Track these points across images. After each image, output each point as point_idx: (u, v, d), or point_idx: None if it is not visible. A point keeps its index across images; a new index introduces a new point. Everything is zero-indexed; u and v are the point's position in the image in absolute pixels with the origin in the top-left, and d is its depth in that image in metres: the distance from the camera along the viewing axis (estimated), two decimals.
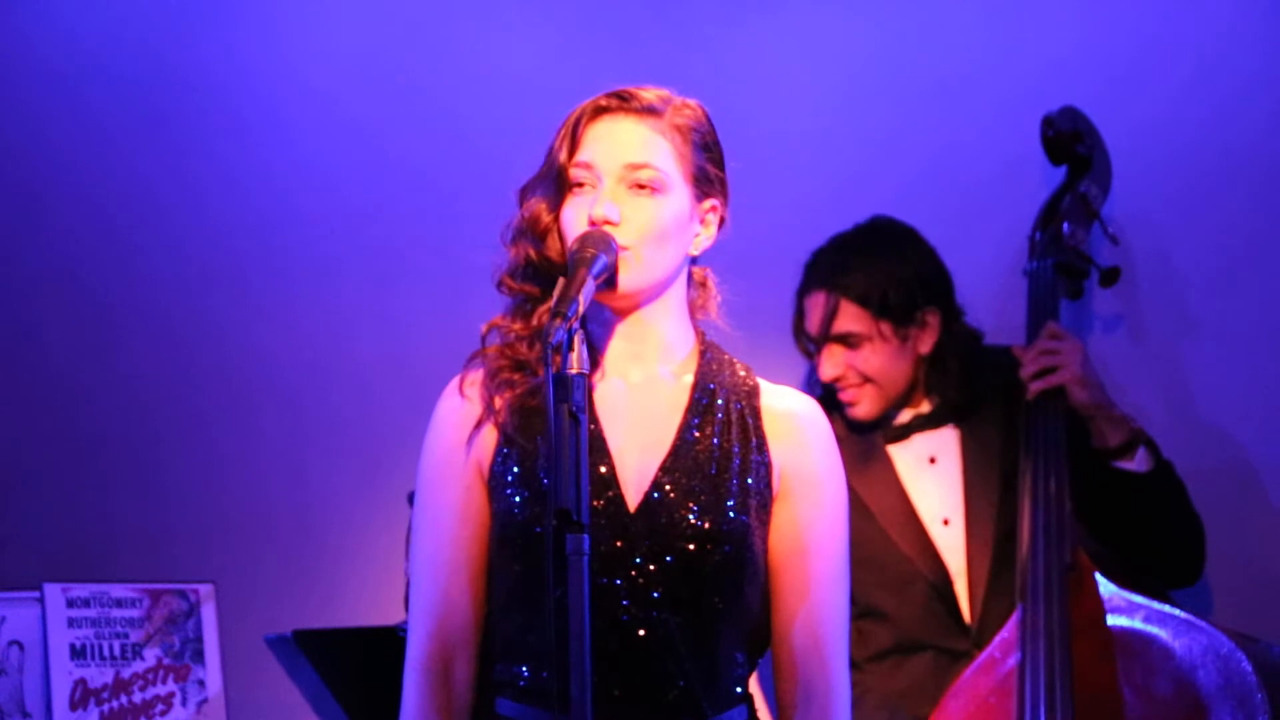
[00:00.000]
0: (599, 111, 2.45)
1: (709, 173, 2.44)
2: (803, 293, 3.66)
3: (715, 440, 2.41)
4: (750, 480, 2.40)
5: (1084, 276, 3.65)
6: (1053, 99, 3.74)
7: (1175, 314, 3.86)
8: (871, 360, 3.59)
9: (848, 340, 3.59)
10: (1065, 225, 3.62)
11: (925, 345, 3.62)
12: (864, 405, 3.61)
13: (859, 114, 4.07)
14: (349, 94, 4.34)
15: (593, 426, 2.41)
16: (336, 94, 4.34)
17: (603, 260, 2.36)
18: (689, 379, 2.45)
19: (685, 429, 2.42)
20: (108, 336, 4.35)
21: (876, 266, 3.60)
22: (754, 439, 2.42)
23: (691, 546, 2.36)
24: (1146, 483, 3.48)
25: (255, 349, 4.32)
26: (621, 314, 2.45)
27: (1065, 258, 3.61)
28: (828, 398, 3.61)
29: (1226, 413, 3.81)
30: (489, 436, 2.45)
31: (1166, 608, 3.28)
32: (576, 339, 2.25)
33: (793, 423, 2.45)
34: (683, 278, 2.47)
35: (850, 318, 3.59)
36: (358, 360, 4.29)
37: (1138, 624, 3.28)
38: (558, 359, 2.23)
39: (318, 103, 4.35)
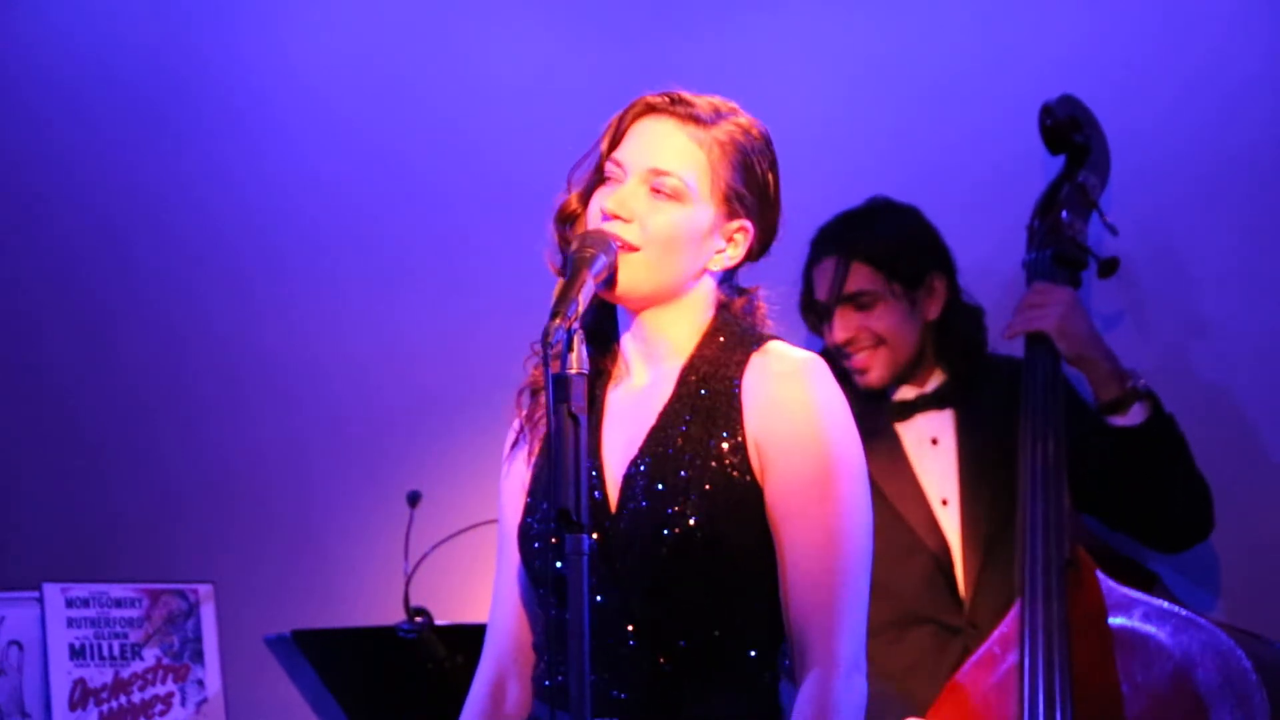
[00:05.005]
0: (648, 109, 2.45)
1: (742, 195, 2.43)
2: (811, 264, 3.70)
3: (685, 429, 2.39)
4: (716, 464, 2.36)
5: (1082, 267, 3.66)
6: (1056, 96, 3.73)
7: (1176, 309, 3.86)
8: (884, 320, 3.63)
9: (860, 300, 3.63)
10: (1064, 214, 3.63)
11: (933, 311, 3.66)
12: (875, 370, 3.64)
13: (860, 112, 4.07)
14: (348, 94, 4.34)
15: (595, 438, 2.43)
16: (335, 94, 4.34)
17: (602, 260, 2.36)
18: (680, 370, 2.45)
19: (660, 423, 2.41)
20: (107, 336, 4.35)
21: (884, 230, 3.67)
22: (726, 419, 2.38)
23: (651, 538, 2.35)
24: (1136, 436, 3.50)
25: (255, 349, 4.32)
26: (635, 315, 2.45)
27: (1063, 248, 3.62)
28: (838, 373, 3.63)
29: (1228, 407, 3.82)
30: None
31: (1166, 604, 3.28)
32: (576, 339, 2.25)
33: (769, 387, 2.38)
34: (703, 291, 2.45)
35: (862, 277, 3.63)
36: (358, 360, 4.29)
37: (1137, 621, 3.28)
38: (556, 360, 2.23)
39: (316, 103, 4.35)
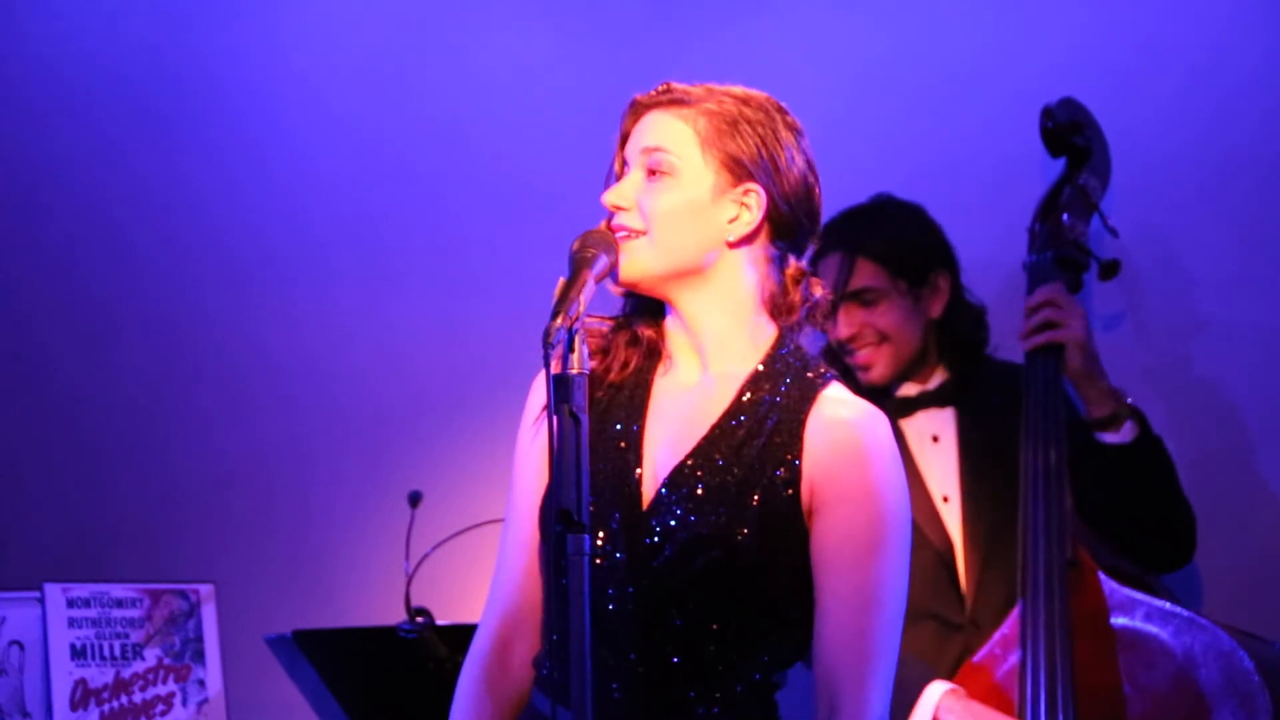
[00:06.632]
0: (643, 107, 2.46)
1: (738, 158, 2.41)
2: (815, 260, 3.68)
3: (740, 447, 2.39)
4: (766, 492, 2.36)
5: (1084, 269, 3.66)
6: (1054, 97, 3.74)
7: (1177, 311, 3.86)
8: (887, 317, 3.63)
9: (864, 297, 3.63)
10: (1065, 217, 3.63)
11: (936, 309, 3.67)
12: (878, 367, 3.64)
13: (860, 113, 4.07)
14: (348, 94, 4.34)
15: (635, 426, 2.43)
16: (335, 94, 4.35)
17: (604, 260, 2.36)
18: (740, 382, 2.43)
19: (713, 433, 2.40)
20: (107, 336, 4.36)
21: (890, 227, 3.67)
22: (786, 450, 2.38)
23: (683, 548, 2.35)
24: (1126, 453, 3.50)
25: (255, 349, 4.32)
26: (671, 306, 2.45)
27: (1065, 250, 3.62)
28: (840, 370, 3.63)
29: (1228, 410, 3.82)
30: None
31: (1168, 605, 3.28)
32: (577, 339, 2.24)
33: (833, 433, 2.38)
34: (731, 268, 2.43)
35: (867, 274, 3.63)
36: (357, 360, 4.29)
37: (1139, 622, 3.28)
38: (558, 359, 2.23)
39: (316, 103, 4.35)
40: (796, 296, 2.46)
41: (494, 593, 2.52)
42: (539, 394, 2.52)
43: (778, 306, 2.46)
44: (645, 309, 2.48)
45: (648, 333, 2.47)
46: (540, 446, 2.48)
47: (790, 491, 2.36)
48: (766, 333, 2.45)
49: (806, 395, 2.40)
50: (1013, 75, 3.98)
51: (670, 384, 2.46)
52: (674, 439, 2.42)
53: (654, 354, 2.47)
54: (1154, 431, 3.53)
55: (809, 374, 2.42)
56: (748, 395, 2.41)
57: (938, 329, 3.68)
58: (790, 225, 2.45)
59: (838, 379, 2.44)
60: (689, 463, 2.39)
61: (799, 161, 2.45)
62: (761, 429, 2.39)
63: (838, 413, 2.39)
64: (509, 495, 2.54)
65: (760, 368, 2.43)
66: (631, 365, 2.46)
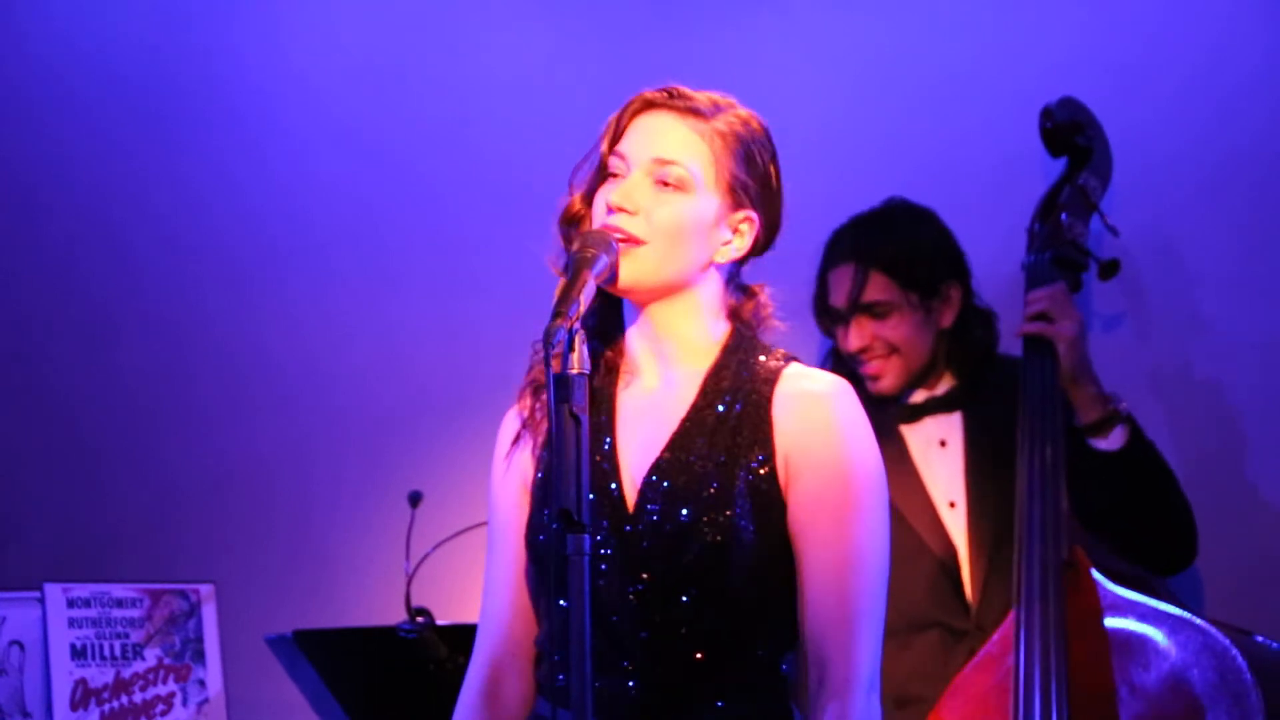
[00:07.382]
0: (647, 105, 2.46)
1: (746, 184, 2.44)
2: (826, 268, 3.69)
3: (712, 435, 2.40)
4: (744, 474, 2.38)
5: (1083, 269, 3.66)
6: (1054, 97, 3.74)
7: (1177, 311, 3.86)
8: (899, 330, 3.63)
9: (875, 310, 3.63)
10: (1064, 217, 3.63)
11: (947, 319, 3.66)
12: (888, 378, 3.64)
13: (861, 113, 4.08)
14: (348, 94, 4.34)
15: (608, 439, 2.44)
16: (336, 94, 4.35)
17: (604, 260, 2.36)
18: (703, 376, 2.45)
19: (683, 429, 2.42)
20: (107, 336, 4.36)
21: (902, 238, 3.66)
22: (758, 431, 2.39)
23: (672, 541, 2.36)
24: (1117, 460, 3.50)
25: (256, 349, 4.32)
26: (640, 310, 2.46)
27: (1064, 250, 3.62)
28: (847, 375, 3.63)
29: (1228, 410, 3.82)
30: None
31: (1162, 605, 3.28)
32: (578, 339, 2.25)
33: (802, 405, 2.40)
34: (709, 286, 2.46)
35: (879, 287, 3.63)
36: (358, 360, 4.29)
37: (1133, 623, 3.28)
38: (558, 360, 2.23)
39: (317, 103, 4.35)
40: (752, 304, 2.50)
41: (483, 627, 2.54)
42: (508, 430, 2.53)
43: (735, 313, 2.49)
44: (598, 329, 2.48)
45: (606, 353, 2.48)
46: (515, 478, 2.51)
47: (766, 470, 2.38)
48: (723, 329, 2.48)
49: (770, 377, 2.42)
50: (1013, 75, 3.98)
51: (634, 393, 2.47)
52: (647, 441, 2.43)
53: (611, 371, 2.48)
54: (1147, 436, 3.53)
55: (769, 358, 2.45)
56: (712, 386, 2.43)
57: (948, 338, 3.67)
58: (762, 247, 2.49)
59: (797, 360, 2.46)
60: (666, 457, 2.41)
61: (780, 188, 2.49)
62: (730, 414, 2.41)
63: (802, 385, 2.42)
64: (489, 531, 2.56)
65: (720, 359, 2.45)
66: (592, 385, 2.47)
